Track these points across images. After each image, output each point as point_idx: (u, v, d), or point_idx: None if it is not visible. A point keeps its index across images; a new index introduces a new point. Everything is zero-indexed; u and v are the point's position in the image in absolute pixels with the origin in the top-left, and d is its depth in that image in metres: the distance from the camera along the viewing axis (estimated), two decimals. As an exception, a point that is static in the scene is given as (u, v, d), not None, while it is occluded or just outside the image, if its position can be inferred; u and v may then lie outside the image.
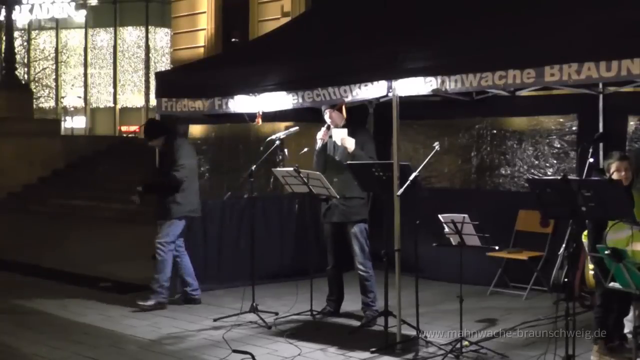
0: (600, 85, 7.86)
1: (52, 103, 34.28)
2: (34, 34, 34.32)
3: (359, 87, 6.60)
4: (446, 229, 6.12)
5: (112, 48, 33.08)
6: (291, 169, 7.07)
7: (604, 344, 5.87)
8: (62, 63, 34.17)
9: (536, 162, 8.85)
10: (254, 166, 7.66)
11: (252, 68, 7.69)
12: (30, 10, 32.90)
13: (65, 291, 9.04)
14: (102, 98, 33.60)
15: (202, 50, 18.60)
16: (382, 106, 8.35)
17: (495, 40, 6.17)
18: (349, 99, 6.74)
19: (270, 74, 7.38)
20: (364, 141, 7.22)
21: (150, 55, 32.56)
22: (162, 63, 31.42)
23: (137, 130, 29.18)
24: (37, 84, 32.94)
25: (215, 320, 7.43)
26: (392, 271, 6.39)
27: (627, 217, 5.36)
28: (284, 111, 7.51)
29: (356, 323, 7.21)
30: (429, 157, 6.49)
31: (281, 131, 7.79)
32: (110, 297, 8.50)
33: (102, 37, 33.38)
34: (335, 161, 7.27)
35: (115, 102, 33.35)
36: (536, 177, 8.57)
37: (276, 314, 7.54)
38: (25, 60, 33.52)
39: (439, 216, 6.12)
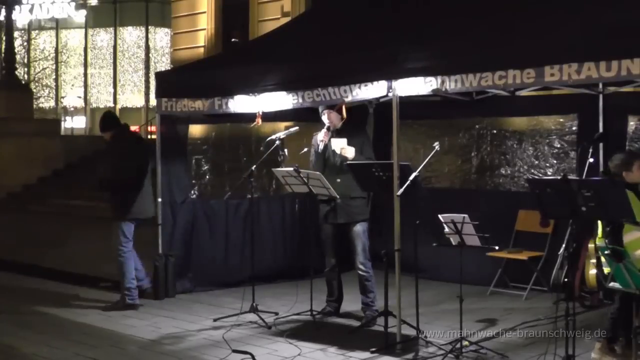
0: (600, 85, 7.86)
1: (52, 103, 34.26)
2: (34, 34, 34.31)
3: (359, 87, 6.60)
4: (446, 229, 6.12)
5: (112, 48, 33.06)
6: (291, 169, 7.07)
7: (606, 343, 5.85)
8: (62, 63, 34.15)
9: (536, 162, 8.83)
10: (254, 166, 7.66)
11: (252, 68, 7.69)
12: (30, 10, 32.88)
13: (65, 291, 9.05)
14: (102, 98, 33.57)
15: (202, 50, 18.60)
16: (382, 106, 8.35)
17: (495, 40, 6.18)
18: (349, 99, 6.74)
19: (270, 74, 7.38)
20: (362, 143, 7.21)
21: (150, 55, 32.54)
22: (162, 63, 31.41)
23: (137, 130, 29.18)
24: (37, 84, 32.93)
25: (215, 320, 7.43)
26: (392, 271, 6.39)
27: (627, 218, 5.36)
28: (284, 111, 7.51)
29: (356, 323, 7.22)
30: (429, 157, 6.50)
31: (281, 131, 7.79)
32: (111, 297, 8.49)
33: (102, 37, 33.36)
34: (336, 164, 7.25)
35: (115, 102, 33.32)
36: (536, 177, 8.56)
37: (276, 314, 7.54)
38: (25, 60, 33.51)
39: (439, 216, 6.12)
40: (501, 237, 7.71)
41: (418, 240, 6.40)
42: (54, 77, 34.24)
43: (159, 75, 8.75)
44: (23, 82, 25.66)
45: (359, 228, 7.22)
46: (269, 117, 7.81)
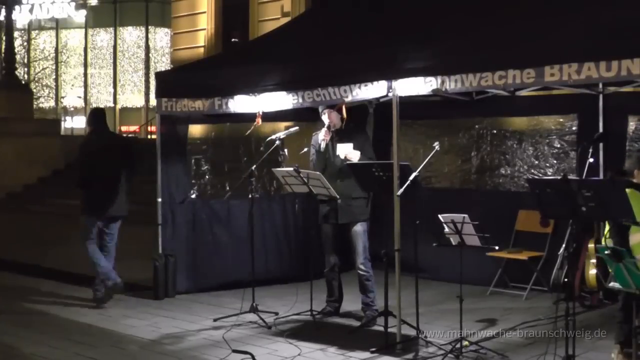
0: (600, 85, 7.86)
1: (52, 103, 34.32)
2: (34, 34, 34.36)
3: (359, 87, 6.60)
4: (446, 229, 6.12)
5: (112, 48, 33.12)
6: (291, 169, 7.06)
7: (621, 348, 5.81)
8: (62, 63, 34.21)
9: (536, 162, 8.83)
10: (254, 166, 7.67)
11: (252, 68, 7.69)
12: (30, 10, 32.93)
13: (65, 291, 9.05)
14: (102, 98, 33.63)
15: (202, 50, 18.60)
16: (382, 106, 8.35)
17: (495, 40, 6.17)
18: (349, 99, 6.74)
19: (270, 74, 7.38)
20: (362, 143, 7.21)
21: (150, 55, 32.59)
22: (162, 63, 31.47)
23: (137, 130, 29.21)
24: (37, 84, 32.99)
25: (215, 320, 7.43)
26: (392, 271, 6.39)
27: (627, 218, 5.35)
28: (284, 111, 7.51)
29: (356, 323, 7.21)
30: (429, 157, 6.50)
31: (281, 131, 7.79)
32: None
33: (102, 37, 33.41)
34: (336, 164, 7.25)
35: (115, 102, 33.38)
36: (536, 177, 8.56)
37: (276, 314, 7.53)
38: (25, 60, 33.57)
39: (439, 216, 6.12)
40: (501, 237, 7.70)
41: (418, 240, 6.40)
42: (54, 77, 34.30)
43: (159, 75, 8.75)
44: (23, 82, 25.67)
45: (360, 228, 7.21)
46: (269, 117, 7.81)
